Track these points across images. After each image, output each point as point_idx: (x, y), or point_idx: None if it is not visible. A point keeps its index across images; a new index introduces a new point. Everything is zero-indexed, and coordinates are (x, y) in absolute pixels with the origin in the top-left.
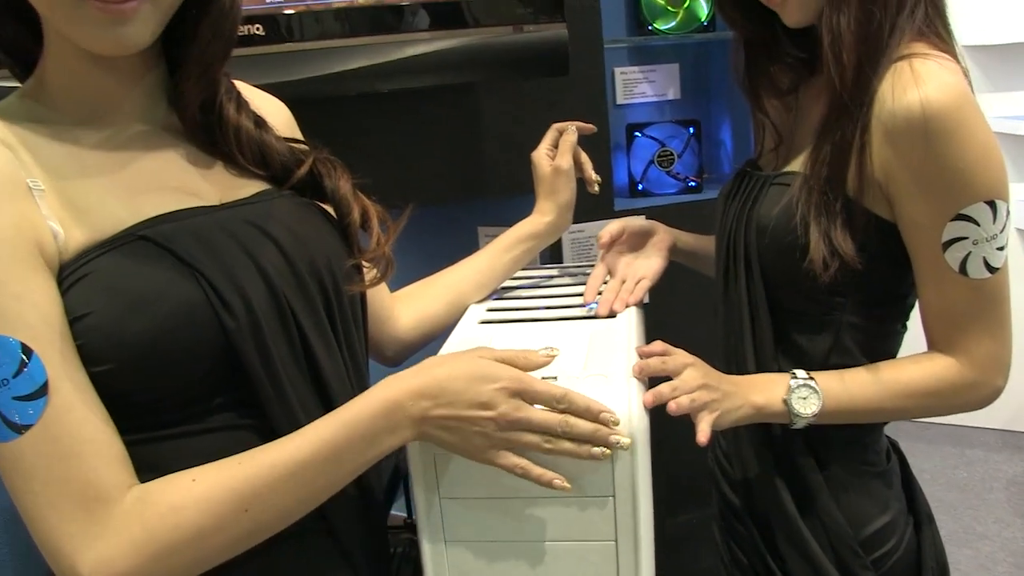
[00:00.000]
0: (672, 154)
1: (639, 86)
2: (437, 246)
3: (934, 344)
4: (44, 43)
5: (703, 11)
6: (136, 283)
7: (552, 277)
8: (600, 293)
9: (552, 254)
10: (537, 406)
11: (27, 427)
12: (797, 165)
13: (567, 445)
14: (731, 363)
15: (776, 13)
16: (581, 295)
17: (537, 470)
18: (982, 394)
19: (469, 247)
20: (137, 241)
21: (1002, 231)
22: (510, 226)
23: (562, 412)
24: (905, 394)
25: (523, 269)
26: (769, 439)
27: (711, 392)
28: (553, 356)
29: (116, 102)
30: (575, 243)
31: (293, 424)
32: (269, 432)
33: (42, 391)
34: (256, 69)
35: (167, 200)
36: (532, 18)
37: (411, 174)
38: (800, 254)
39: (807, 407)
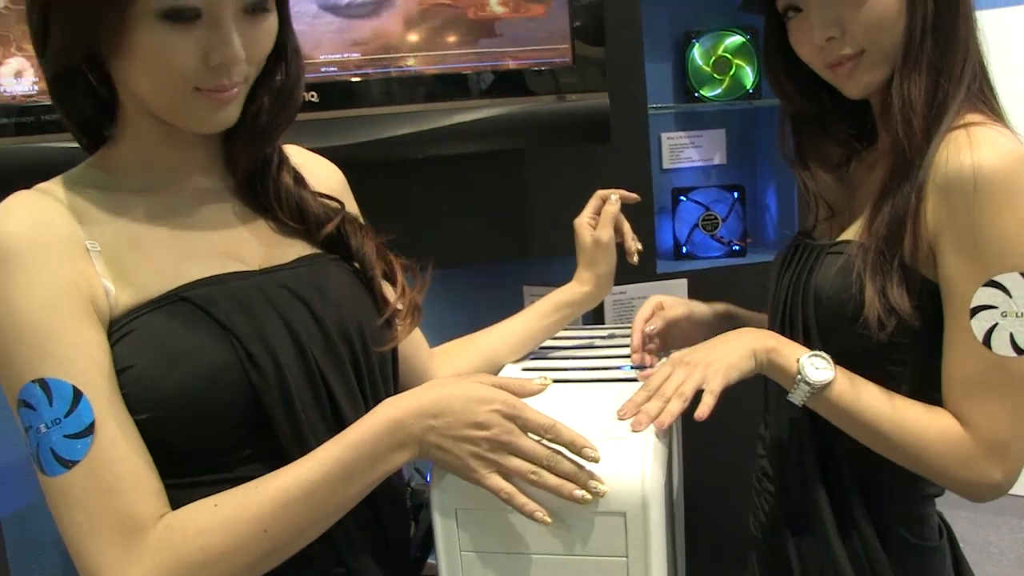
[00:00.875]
0: (716, 218)
1: (685, 151)
2: (484, 304)
3: (947, 407)
4: (119, 122)
5: (749, 79)
6: (175, 341)
7: (590, 339)
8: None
9: (594, 315)
10: (529, 435)
11: (74, 463)
12: (852, 234)
13: (551, 480)
14: (787, 431)
15: (829, 88)
16: (617, 357)
17: (521, 498)
18: (974, 479)
19: (514, 305)
20: (179, 302)
21: None
22: (554, 286)
23: (550, 440)
24: (902, 427)
25: (563, 329)
26: (820, 504)
27: (689, 367)
28: (546, 385)
29: (177, 172)
30: (616, 304)
31: None
32: None
33: (89, 430)
34: (312, 134)
35: (211, 264)
36: (575, 88)
37: (459, 235)
38: (855, 313)
39: (817, 375)
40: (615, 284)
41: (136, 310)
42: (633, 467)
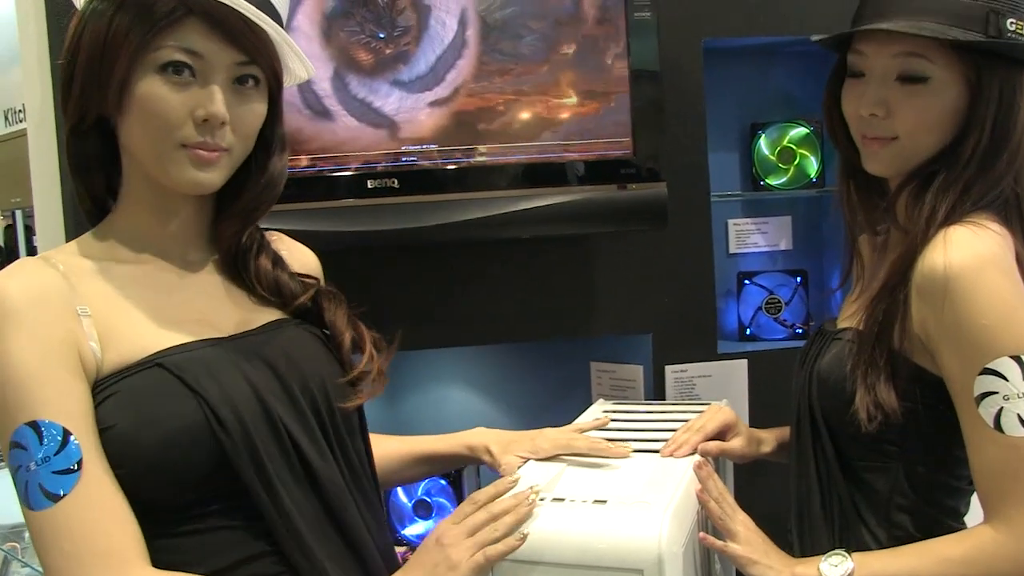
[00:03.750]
0: (780, 302)
1: (751, 236)
2: (555, 379)
3: (984, 509)
4: (121, 194)
5: (813, 168)
6: (150, 404)
7: (650, 412)
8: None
9: (656, 392)
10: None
11: (61, 497)
12: (854, 320)
13: (508, 519)
14: (801, 516)
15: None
16: (668, 430)
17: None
18: None
19: (583, 380)
20: (154, 368)
21: None
22: (618, 362)
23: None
24: (940, 559)
25: (627, 404)
26: None
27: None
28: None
29: (167, 244)
30: (677, 382)
31: (288, 523)
32: (263, 533)
33: (76, 467)
34: (394, 216)
35: (187, 331)
36: (635, 178)
37: (532, 312)
38: (849, 401)
39: (835, 571)
40: (677, 363)
41: (119, 373)
42: (652, 527)
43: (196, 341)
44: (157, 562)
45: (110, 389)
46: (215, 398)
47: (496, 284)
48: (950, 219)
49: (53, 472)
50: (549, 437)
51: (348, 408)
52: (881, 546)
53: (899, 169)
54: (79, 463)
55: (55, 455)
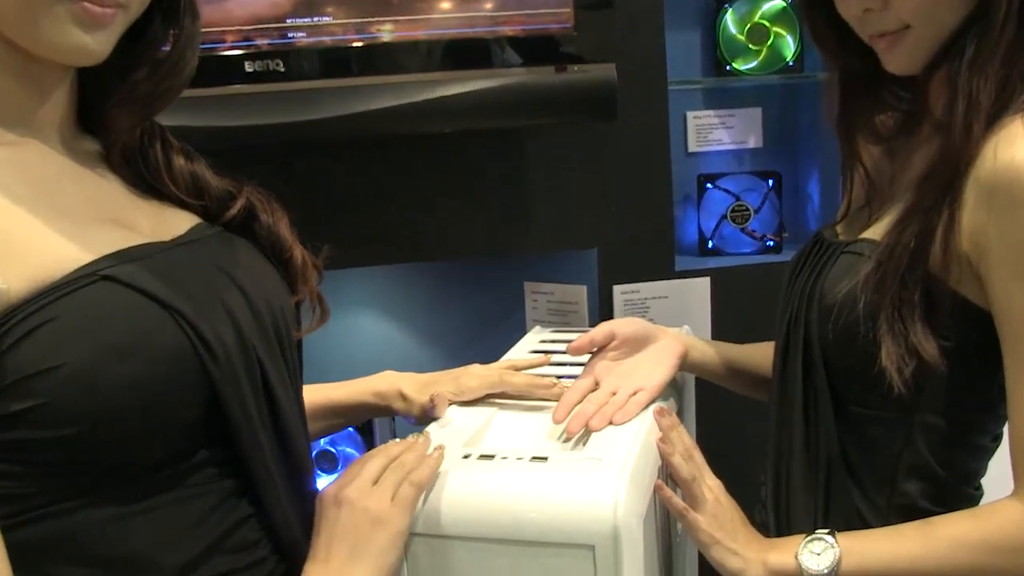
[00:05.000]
0: (748, 209)
1: (715, 132)
2: (482, 303)
3: (1015, 479)
4: None
5: (789, 49)
6: (114, 328)
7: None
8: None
9: (601, 316)
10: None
11: None
12: (876, 232)
13: (410, 456)
14: (779, 471)
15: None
16: None
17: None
18: None
19: (515, 304)
20: (101, 282)
21: None
22: (556, 283)
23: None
24: (953, 544)
25: (568, 332)
26: None
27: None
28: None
29: (43, 123)
30: (628, 305)
31: (267, 474)
32: (244, 491)
33: None
34: (278, 106)
35: (110, 235)
36: (577, 57)
37: (452, 226)
38: (864, 348)
39: (816, 564)
40: (628, 283)
41: (43, 295)
42: (605, 493)
43: (136, 247)
44: (114, 555)
45: (37, 317)
46: (192, 316)
47: (411, 191)
48: (1005, 104)
49: None
50: (476, 374)
51: (300, 337)
52: (876, 516)
53: (924, 60)
54: None
55: None
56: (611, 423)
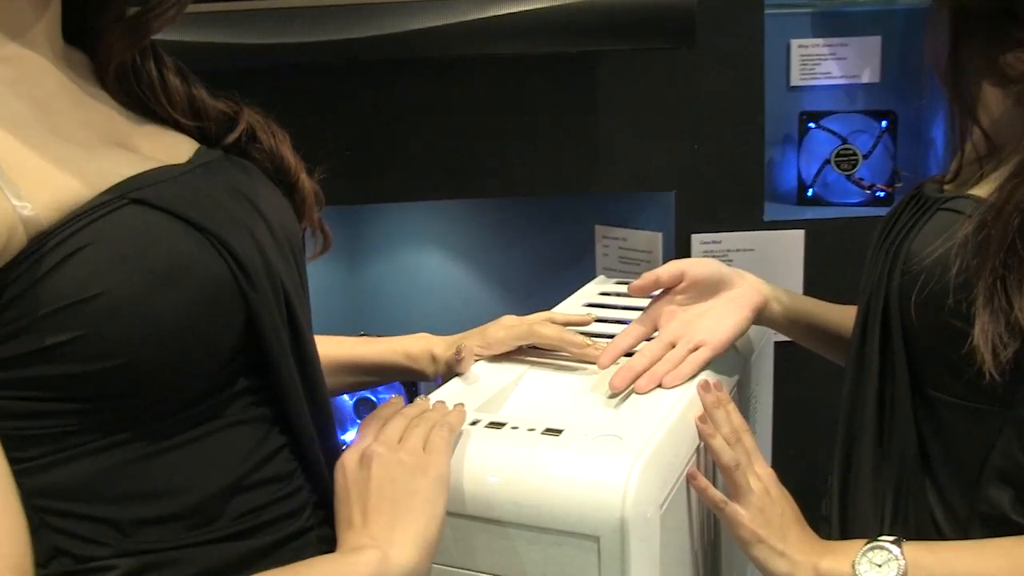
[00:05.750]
0: (856, 154)
1: (823, 63)
2: (550, 245)
3: None
4: None
5: None
6: (154, 253)
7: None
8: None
9: None
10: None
11: None
12: (987, 189)
13: (432, 414)
14: (848, 459)
15: None
16: None
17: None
18: None
19: (586, 249)
20: (131, 205)
21: None
22: (630, 228)
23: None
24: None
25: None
26: None
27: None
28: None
29: (28, 31)
30: (708, 256)
31: (299, 407)
32: (279, 420)
33: None
34: (305, 24)
35: (121, 159)
36: None
37: (511, 161)
38: (951, 325)
39: (878, 574)
40: (709, 232)
41: (67, 223)
42: (616, 477)
43: (153, 170)
44: (155, 489)
45: (68, 245)
46: (228, 241)
47: (472, 121)
48: None
49: None
50: (505, 324)
51: (312, 260)
52: (954, 526)
53: None
54: None
55: None
56: (660, 386)
